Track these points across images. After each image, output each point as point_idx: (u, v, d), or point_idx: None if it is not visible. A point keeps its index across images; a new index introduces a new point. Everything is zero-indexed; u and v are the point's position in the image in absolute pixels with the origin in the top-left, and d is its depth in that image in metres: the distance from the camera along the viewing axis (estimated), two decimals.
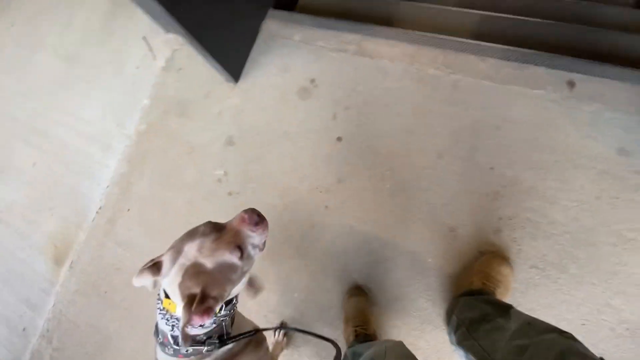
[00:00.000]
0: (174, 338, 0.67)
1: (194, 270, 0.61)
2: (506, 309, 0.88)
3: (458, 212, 1.19)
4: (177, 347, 0.67)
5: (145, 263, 0.62)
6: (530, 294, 1.07)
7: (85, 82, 1.95)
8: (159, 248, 1.38)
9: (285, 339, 1.22)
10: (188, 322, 0.56)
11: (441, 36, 1.36)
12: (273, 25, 1.60)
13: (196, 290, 0.59)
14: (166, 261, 0.63)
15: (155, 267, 0.63)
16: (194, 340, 0.67)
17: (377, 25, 1.44)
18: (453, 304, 1.07)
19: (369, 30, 1.44)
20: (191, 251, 0.62)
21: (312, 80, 1.48)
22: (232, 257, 0.62)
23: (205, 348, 0.67)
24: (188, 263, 0.61)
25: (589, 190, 1.10)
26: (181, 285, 0.60)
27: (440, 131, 1.28)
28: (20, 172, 1.95)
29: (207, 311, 0.57)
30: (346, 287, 1.23)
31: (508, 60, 1.26)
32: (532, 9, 1.63)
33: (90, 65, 1.97)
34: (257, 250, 0.68)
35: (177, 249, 0.63)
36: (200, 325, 0.66)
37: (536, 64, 1.23)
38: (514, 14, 1.51)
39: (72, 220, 1.71)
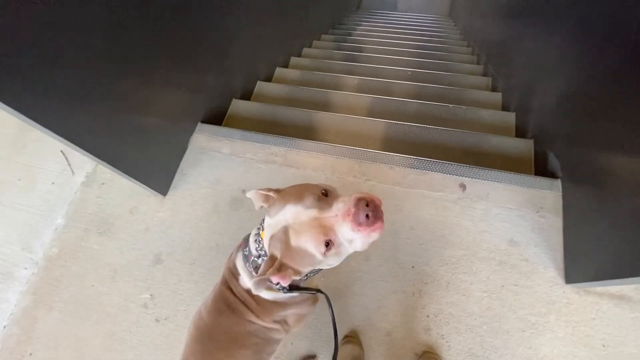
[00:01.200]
0: (254, 262, 0.74)
1: (282, 236, 0.62)
2: None
3: (391, 315, 1.25)
4: (256, 265, 0.74)
5: (265, 188, 0.70)
6: None
7: None
8: None
9: None
10: (263, 277, 0.60)
11: (355, 148, 1.56)
12: (201, 139, 1.68)
13: (277, 255, 0.63)
14: (274, 206, 0.67)
15: (269, 198, 0.70)
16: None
17: (300, 139, 1.60)
18: None
19: (293, 143, 1.59)
20: (289, 213, 0.62)
21: (244, 191, 1.54)
22: (315, 251, 0.61)
23: (275, 287, 0.73)
24: (283, 223, 0.63)
25: (494, 280, 1.26)
26: (271, 240, 0.65)
27: None
28: None
29: (282, 277, 0.61)
30: None
31: (412, 167, 1.48)
32: (425, 116, 1.99)
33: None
34: (354, 247, 0.63)
35: (284, 201, 0.64)
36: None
37: (434, 170, 1.46)
38: (413, 121, 1.82)
39: None
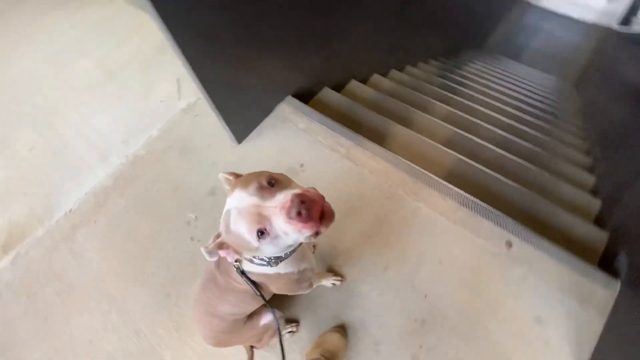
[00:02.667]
0: None
1: (226, 218, 0.67)
2: None
3: (386, 328, 1.26)
4: None
5: (230, 172, 0.74)
6: None
7: (111, 97, 2.16)
8: (109, 270, 1.44)
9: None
10: (206, 249, 0.67)
11: (417, 167, 1.58)
12: (286, 109, 1.86)
13: (222, 233, 0.68)
14: (231, 189, 0.69)
15: (231, 181, 0.74)
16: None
17: (368, 140, 1.68)
18: None
19: (360, 142, 1.68)
20: (236, 198, 0.65)
21: (302, 165, 1.68)
22: (248, 237, 0.63)
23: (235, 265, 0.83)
24: (229, 206, 0.66)
25: (506, 346, 1.20)
26: (221, 219, 0.69)
27: (394, 245, 1.42)
28: (15, 152, 2.04)
29: (226, 254, 0.69)
30: None
31: (464, 206, 1.46)
32: (502, 167, 1.91)
33: (122, 84, 2.21)
34: (292, 239, 0.65)
35: (236, 186, 0.67)
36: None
37: (485, 217, 1.43)
38: (486, 167, 1.77)
39: (38, 212, 1.76)
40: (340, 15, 1.88)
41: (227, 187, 0.74)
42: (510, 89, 3.70)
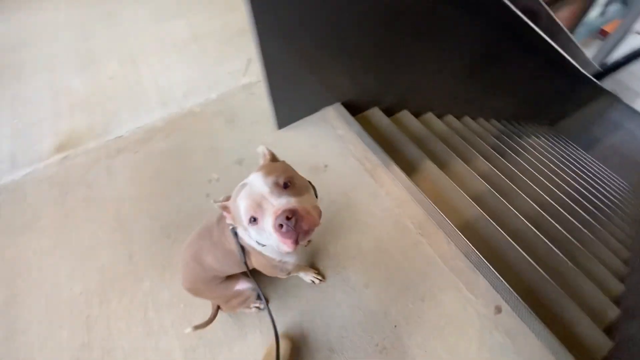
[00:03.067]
0: None
1: (238, 188, 0.76)
2: None
3: (346, 341, 1.26)
4: None
5: (269, 150, 0.84)
6: None
7: (190, 56, 2.42)
8: (130, 196, 1.59)
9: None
10: (215, 202, 0.82)
11: (433, 204, 1.58)
12: (331, 113, 1.95)
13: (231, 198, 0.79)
14: (262, 167, 0.77)
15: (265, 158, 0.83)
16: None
17: (396, 165, 1.71)
18: None
19: (388, 163, 1.71)
20: (254, 177, 0.72)
21: (326, 166, 1.75)
22: (242, 216, 0.71)
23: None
24: (247, 181, 0.74)
25: None
26: (236, 187, 0.78)
27: (382, 269, 1.42)
28: (97, 75, 2.36)
29: (227, 215, 0.82)
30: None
31: (467, 257, 1.43)
32: (523, 240, 1.83)
33: (202, 49, 2.47)
34: (273, 242, 0.71)
35: (261, 167, 0.76)
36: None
37: (483, 275, 1.38)
38: (507, 234, 1.71)
39: (96, 128, 2.01)
40: (416, 47, 1.95)
41: (260, 161, 0.83)
42: (566, 173, 3.50)
